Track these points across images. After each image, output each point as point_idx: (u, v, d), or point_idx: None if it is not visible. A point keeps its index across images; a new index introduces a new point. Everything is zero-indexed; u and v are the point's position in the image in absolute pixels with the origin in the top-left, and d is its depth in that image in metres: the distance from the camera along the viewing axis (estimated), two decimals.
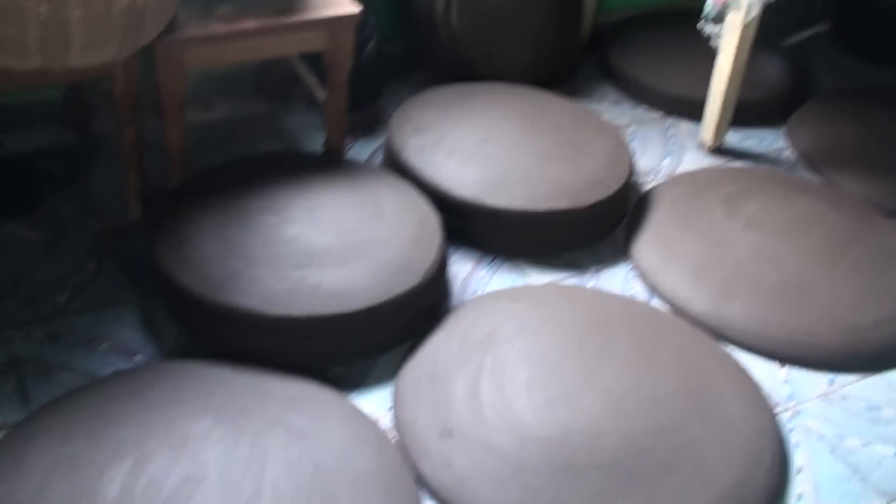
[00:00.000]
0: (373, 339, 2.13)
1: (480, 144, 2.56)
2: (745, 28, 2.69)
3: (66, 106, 2.67)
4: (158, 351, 2.08)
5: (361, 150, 2.78)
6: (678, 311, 2.32)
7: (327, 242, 2.17)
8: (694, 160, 2.92)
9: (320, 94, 2.60)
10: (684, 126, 3.08)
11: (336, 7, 2.36)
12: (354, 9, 2.36)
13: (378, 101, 2.98)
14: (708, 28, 2.68)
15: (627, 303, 2.31)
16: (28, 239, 2.33)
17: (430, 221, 2.29)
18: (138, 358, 2.06)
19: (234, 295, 2.01)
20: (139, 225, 2.39)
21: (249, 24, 2.26)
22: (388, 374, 2.08)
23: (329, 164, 2.46)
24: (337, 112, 2.52)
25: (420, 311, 2.18)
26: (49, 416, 1.84)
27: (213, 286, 2.02)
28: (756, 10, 2.62)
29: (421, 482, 1.84)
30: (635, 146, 2.95)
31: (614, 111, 3.12)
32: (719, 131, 2.92)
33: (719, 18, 2.66)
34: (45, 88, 2.59)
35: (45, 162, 2.51)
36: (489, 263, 2.43)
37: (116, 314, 2.16)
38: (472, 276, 2.39)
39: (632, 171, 2.58)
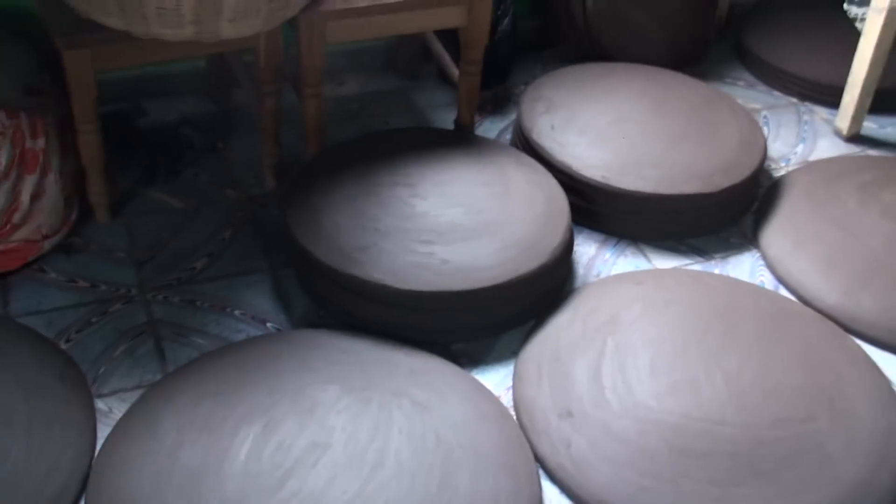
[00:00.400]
0: (497, 317, 2.15)
1: (611, 125, 2.55)
2: (892, 11, 2.59)
3: (208, 77, 2.76)
4: (289, 320, 2.15)
5: (491, 128, 2.80)
6: (807, 301, 2.28)
7: (456, 218, 2.19)
8: (829, 147, 2.84)
9: (453, 70, 2.63)
10: (820, 112, 3.00)
11: None
12: None
13: (509, 79, 3.00)
14: (854, 9, 2.61)
15: (755, 291, 2.28)
16: (170, 205, 2.43)
17: (558, 201, 2.30)
18: (270, 325, 2.13)
19: (363, 267, 2.05)
20: (274, 195, 2.47)
21: None
22: (509, 352, 2.11)
23: (459, 141, 2.48)
24: (470, 89, 2.54)
25: (545, 291, 2.20)
26: (184, 378, 1.92)
27: (343, 257, 2.07)
28: None
29: (539, 462, 1.86)
30: (768, 131, 2.89)
31: (747, 94, 3.06)
32: (857, 118, 2.83)
33: (865, 1, 2.58)
34: (190, 59, 2.69)
35: (188, 131, 2.60)
36: (614, 246, 2.43)
37: (250, 282, 2.23)
38: (596, 258, 2.39)
39: (764, 157, 2.53)
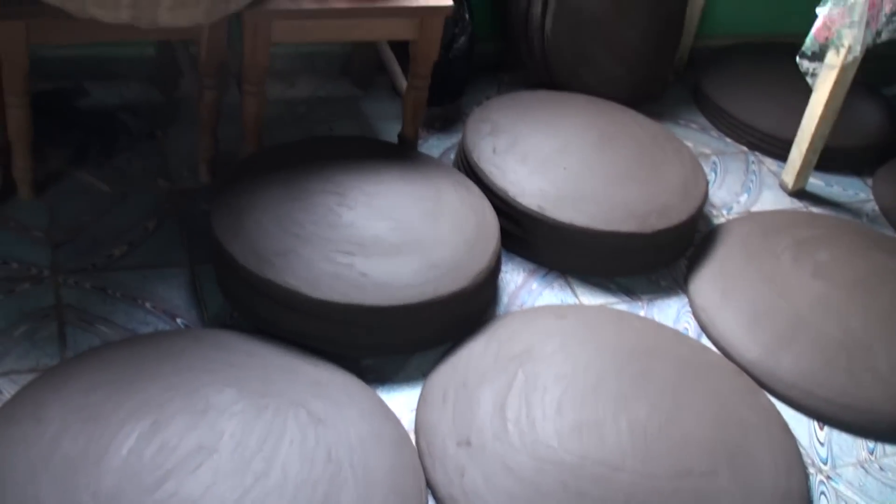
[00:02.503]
0: (411, 336, 2.12)
1: (554, 154, 2.53)
2: (844, 69, 2.59)
3: (156, 64, 2.72)
4: (199, 318, 2.11)
5: (437, 145, 2.78)
6: (728, 353, 2.26)
7: (382, 232, 2.16)
8: (772, 200, 2.84)
9: (402, 83, 2.60)
10: (768, 163, 2.99)
11: None
12: (447, 1, 2.35)
13: (462, 98, 2.98)
14: (805, 64, 2.60)
15: (676, 337, 2.26)
16: (97, 189, 2.38)
17: (489, 226, 2.27)
18: (179, 321, 2.09)
19: (279, 272, 2.01)
20: (205, 190, 2.43)
21: (340, 3, 2.26)
22: (420, 373, 2.07)
23: (399, 155, 2.45)
24: (416, 104, 2.51)
25: (464, 315, 2.17)
26: (80, 365, 1.87)
27: (260, 260, 2.03)
28: (858, 51, 2.52)
29: (431, 489, 1.83)
30: (714, 177, 2.88)
31: (699, 138, 3.06)
32: (802, 174, 2.83)
33: (818, 56, 2.57)
34: (134, 44, 2.64)
35: (127, 117, 2.55)
36: (542, 277, 2.40)
37: (166, 275, 2.19)
38: (523, 287, 2.36)
39: (703, 203, 2.51)
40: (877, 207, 2.90)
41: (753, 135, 3.04)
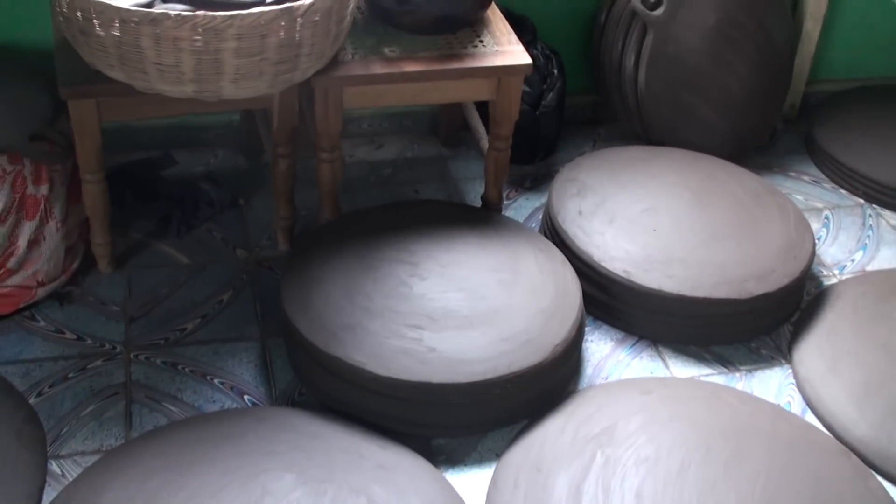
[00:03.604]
0: (484, 415, 2.01)
1: (643, 215, 2.39)
2: None
3: (242, 132, 2.71)
4: (268, 394, 2.05)
5: (525, 205, 2.67)
6: (834, 430, 2.07)
7: (454, 304, 2.07)
8: (891, 257, 2.61)
9: (486, 144, 2.51)
10: (888, 217, 2.76)
11: (506, 56, 2.26)
12: (525, 59, 2.26)
13: (556, 154, 2.87)
14: None
15: (776, 412, 2.08)
16: (176, 261, 2.37)
17: (570, 295, 2.15)
18: (247, 398, 2.04)
19: (344, 347, 1.95)
20: (283, 259, 2.39)
21: (412, 66, 2.20)
22: (493, 454, 1.96)
23: (480, 220, 2.35)
24: (497, 165, 2.42)
25: (542, 391, 2.05)
26: (142, 447, 1.84)
27: (327, 335, 1.97)
28: None
29: None
30: (826, 233, 2.68)
31: (810, 191, 2.85)
32: None
33: None
34: (223, 112, 2.64)
35: (209, 186, 2.54)
36: (631, 346, 2.26)
37: (237, 350, 2.15)
38: (609, 357, 2.23)
39: (809, 265, 2.33)
40: None
41: (870, 186, 2.82)
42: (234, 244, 2.44)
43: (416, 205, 2.49)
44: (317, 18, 1.97)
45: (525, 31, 2.72)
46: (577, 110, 2.97)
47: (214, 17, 1.85)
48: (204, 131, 2.73)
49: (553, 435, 1.96)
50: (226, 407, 2.01)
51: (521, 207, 2.66)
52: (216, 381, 2.07)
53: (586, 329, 2.29)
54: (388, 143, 2.86)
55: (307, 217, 2.49)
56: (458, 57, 2.23)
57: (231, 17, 1.86)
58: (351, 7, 2.08)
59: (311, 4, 1.92)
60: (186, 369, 2.09)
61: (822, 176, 2.92)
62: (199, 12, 1.86)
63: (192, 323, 2.20)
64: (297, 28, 1.95)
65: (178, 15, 1.83)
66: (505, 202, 2.66)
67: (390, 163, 2.79)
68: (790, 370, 2.23)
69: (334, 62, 2.16)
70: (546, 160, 2.84)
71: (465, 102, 2.66)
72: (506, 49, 2.28)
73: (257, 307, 2.26)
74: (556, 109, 2.73)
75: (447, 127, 2.86)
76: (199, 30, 1.85)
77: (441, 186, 2.72)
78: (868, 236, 2.68)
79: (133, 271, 2.32)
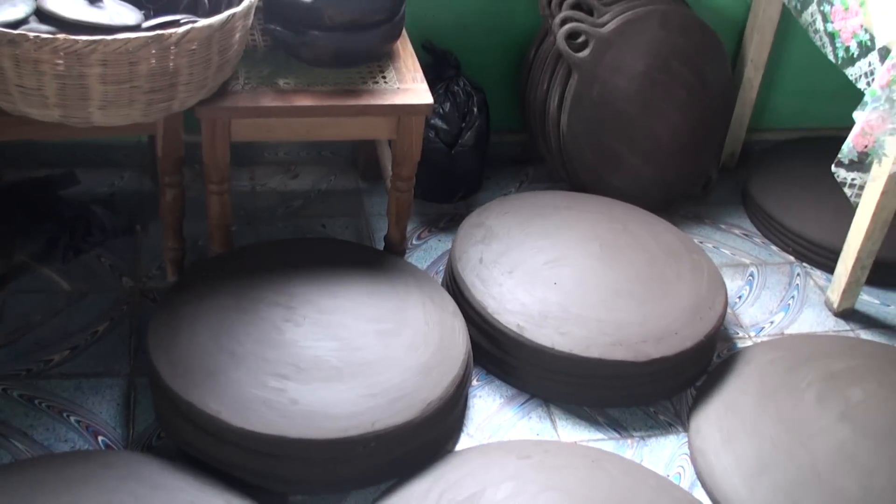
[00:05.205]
0: (345, 473, 1.90)
1: (546, 266, 2.28)
2: (892, 179, 2.26)
3: (148, 153, 2.62)
4: (125, 436, 1.95)
5: (435, 247, 2.56)
6: None
7: (325, 353, 1.96)
8: (813, 320, 2.49)
9: (389, 183, 2.41)
10: (816, 277, 2.65)
11: (407, 94, 2.15)
12: (427, 99, 2.15)
13: (479, 193, 2.77)
14: (842, 173, 2.28)
15: (661, 486, 1.96)
16: (57, 287, 2.27)
17: (454, 349, 2.04)
18: (101, 440, 1.93)
19: (202, 394, 1.84)
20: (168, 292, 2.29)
21: (305, 101, 2.09)
22: None
23: (375, 263, 2.24)
24: (399, 206, 2.31)
25: (412, 449, 1.94)
26: None
27: (185, 381, 1.86)
28: None
29: None
30: (748, 291, 2.56)
31: (739, 245, 2.73)
32: (849, 292, 2.48)
33: (857, 165, 2.25)
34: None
35: (102, 211, 2.44)
36: (521, 405, 2.15)
37: (101, 386, 2.04)
38: (496, 415, 2.12)
39: (717, 328, 2.21)
40: None
41: (801, 243, 2.70)
42: (122, 272, 2.34)
43: (312, 243, 2.39)
44: (194, 47, 1.87)
45: (448, 67, 2.63)
46: (506, 148, 2.87)
47: (77, 41, 1.75)
48: (112, 151, 2.64)
49: (416, 500, 1.85)
50: (77, 448, 1.91)
51: (432, 249, 2.55)
52: (72, 418, 1.97)
53: (477, 384, 2.18)
54: (305, 172, 2.76)
55: (204, 247, 2.39)
56: (356, 93, 2.13)
57: (95, 42, 1.76)
58: (238, 36, 1.99)
59: (186, 33, 1.83)
60: (43, 404, 1.98)
61: (754, 230, 2.81)
62: (59, 35, 1.76)
63: (60, 354, 2.10)
64: (171, 56, 1.85)
65: (38, 37, 1.74)
66: (416, 242, 2.56)
67: (303, 194, 2.69)
68: (686, 439, 2.12)
69: (223, 91, 2.06)
70: (467, 199, 2.74)
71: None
72: (408, 87, 2.17)
73: (131, 342, 2.16)
74: (473, 148, 2.63)
75: (366, 159, 2.75)
76: (61, 53, 1.76)
77: (351, 222, 2.61)
78: (792, 297, 2.56)
79: (9, 295, 2.22)
